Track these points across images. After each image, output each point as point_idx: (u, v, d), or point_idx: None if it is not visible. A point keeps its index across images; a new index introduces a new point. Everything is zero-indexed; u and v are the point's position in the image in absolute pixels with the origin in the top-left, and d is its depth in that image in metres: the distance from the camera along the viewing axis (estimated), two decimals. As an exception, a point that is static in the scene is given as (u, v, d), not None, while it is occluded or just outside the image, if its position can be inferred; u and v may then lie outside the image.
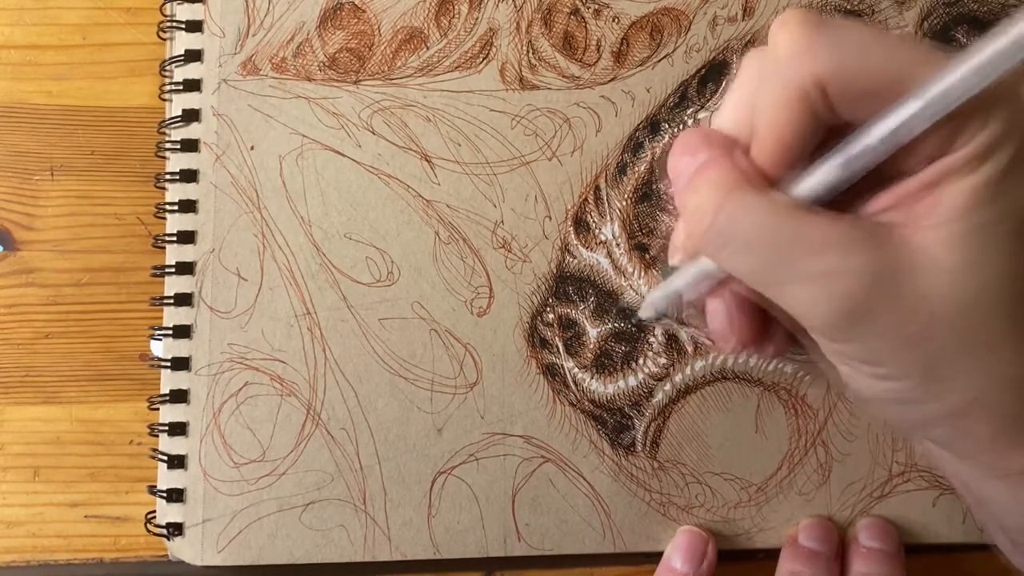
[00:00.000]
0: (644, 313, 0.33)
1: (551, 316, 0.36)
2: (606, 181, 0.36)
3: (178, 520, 0.35)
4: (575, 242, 0.36)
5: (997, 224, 0.24)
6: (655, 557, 0.35)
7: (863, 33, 0.25)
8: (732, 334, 0.29)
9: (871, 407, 0.29)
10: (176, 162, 0.36)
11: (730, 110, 0.28)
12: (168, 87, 0.36)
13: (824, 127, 0.25)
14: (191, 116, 0.36)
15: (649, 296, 0.32)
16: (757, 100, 0.26)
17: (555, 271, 0.36)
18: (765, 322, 0.29)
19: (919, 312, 0.25)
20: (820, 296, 0.25)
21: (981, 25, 0.37)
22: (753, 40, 0.37)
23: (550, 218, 0.36)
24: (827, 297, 0.25)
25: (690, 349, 0.36)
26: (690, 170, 0.27)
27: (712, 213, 0.26)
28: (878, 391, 0.27)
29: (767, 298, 0.27)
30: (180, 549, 0.35)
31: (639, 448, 0.35)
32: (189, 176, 0.36)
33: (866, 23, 0.26)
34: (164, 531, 0.34)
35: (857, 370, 0.27)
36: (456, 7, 0.37)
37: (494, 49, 0.37)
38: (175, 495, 0.35)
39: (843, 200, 0.30)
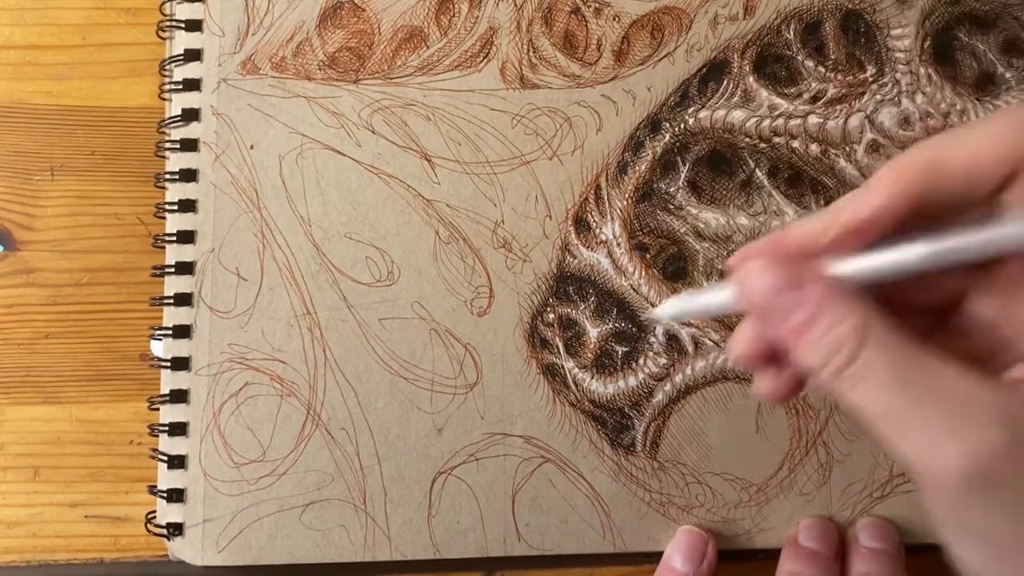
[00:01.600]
0: (664, 313, 0.30)
1: (551, 316, 0.36)
2: (607, 180, 0.36)
3: (178, 520, 0.35)
4: (576, 242, 0.36)
5: None
6: (655, 557, 0.35)
7: None
8: (749, 351, 0.28)
9: None
10: (176, 162, 0.36)
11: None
12: (168, 86, 0.36)
13: (969, 196, 0.24)
14: (191, 116, 0.36)
15: (675, 302, 0.30)
16: (932, 144, 0.25)
17: (555, 271, 0.36)
18: (778, 362, 0.28)
19: None
20: (946, 449, 0.23)
21: (982, 24, 0.37)
22: (754, 40, 0.37)
23: (551, 218, 0.36)
24: (954, 448, 0.23)
25: (691, 349, 0.36)
26: (793, 315, 0.25)
27: (851, 356, 0.24)
28: (985, 569, 0.25)
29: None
30: (180, 549, 0.35)
31: (639, 448, 0.35)
32: (189, 176, 0.36)
33: None
34: (164, 531, 0.35)
35: (969, 549, 0.25)
36: (456, 6, 0.37)
37: (494, 48, 0.37)
38: (175, 495, 0.35)
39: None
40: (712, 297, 0.29)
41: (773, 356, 0.28)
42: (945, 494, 0.24)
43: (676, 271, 0.36)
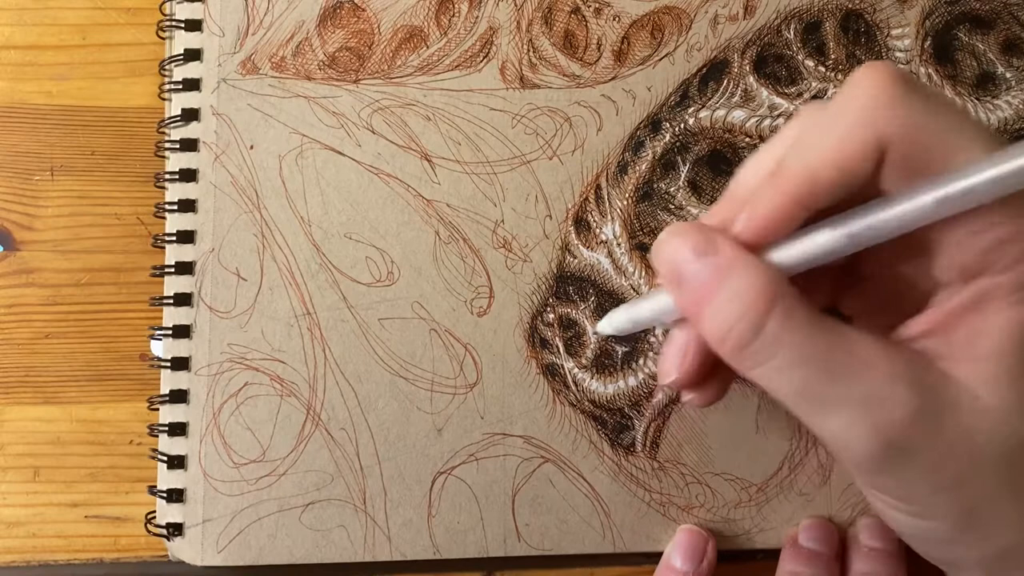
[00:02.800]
0: (602, 329, 0.32)
1: (551, 316, 0.36)
2: (607, 180, 0.36)
3: (178, 520, 0.35)
4: (576, 242, 0.36)
5: None
6: (655, 557, 0.35)
7: (947, 110, 0.23)
8: (677, 369, 0.28)
9: (903, 538, 0.28)
10: (175, 162, 0.36)
11: (771, 152, 0.26)
12: (168, 86, 0.36)
13: (852, 188, 0.24)
14: (190, 115, 0.36)
15: (613, 315, 0.32)
16: (803, 140, 0.24)
17: (555, 271, 0.36)
18: (713, 368, 0.28)
19: (960, 453, 0.23)
20: (859, 424, 0.23)
21: (982, 24, 0.37)
22: (754, 39, 0.37)
23: (551, 217, 0.36)
24: (866, 425, 0.23)
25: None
26: (702, 274, 0.25)
27: (753, 330, 0.24)
28: (910, 528, 0.26)
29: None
30: (180, 549, 0.35)
31: (639, 448, 0.35)
32: (188, 176, 0.36)
33: (950, 99, 0.24)
34: (164, 531, 0.35)
35: (890, 506, 0.26)
36: (456, 6, 0.37)
37: (494, 48, 0.37)
38: (175, 495, 0.35)
39: (876, 317, 0.28)
40: (655, 301, 0.29)
41: (706, 374, 0.28)
42: (864, 469, 0.25)
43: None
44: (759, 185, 0.25)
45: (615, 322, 0.32)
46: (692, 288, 0.25)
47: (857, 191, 0.24)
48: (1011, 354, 0.23)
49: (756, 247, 0.25)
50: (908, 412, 0.23)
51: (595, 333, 0.35)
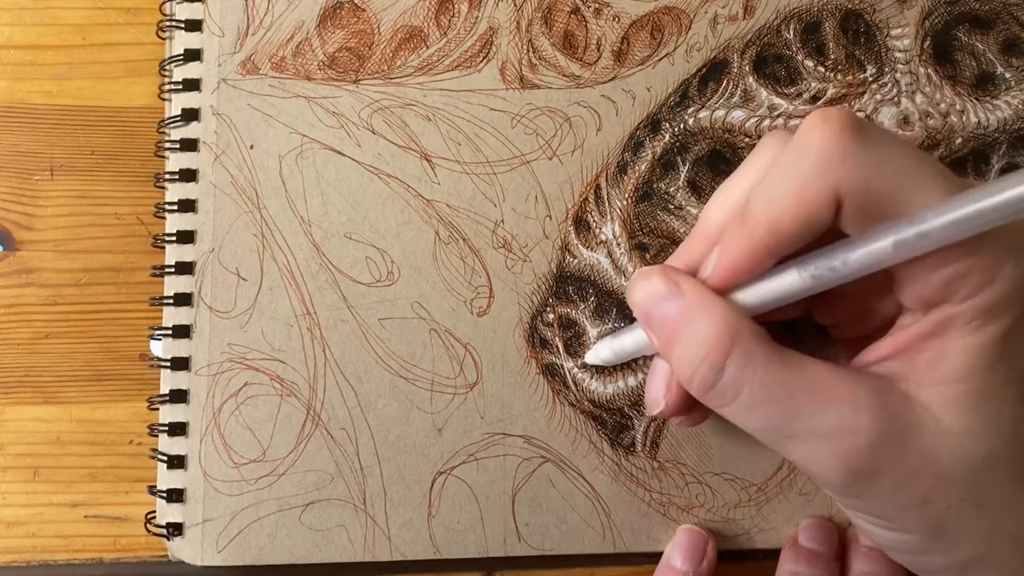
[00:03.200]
0: (590, 360, 0.35)
1: (551, 316, 0.36)
2: (607, 180, 0.36)
3: (178, 520, 0.35)
4: (575, 242, 0.36)
5: (1002, 387, 0.24)
6: (655, 557, 0.35)
7: (901, 155, 0.24)
8: (663, 400, 0.29)
9: (879, 546, 0.29)
10: (175, 162, 0.36)
11: (737, 189, 0.27)
12: (167, 86, 0.36)
13: (815, 234, 0.25)
14: (190, 115, 0.36)
15: (597, 347, 0.34)
16: (765, 187, 0.25)
17: (555, 271, 0.36)
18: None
19: (924, 473, 0.24)
20: (825, 455, 0.25)
21: (982, 24, 0.37)
22: (754, 40, 0.37)
23: (550, 217, 0.36)
24: (832, 456, 0.24)
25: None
26: (669, 317, 0.26)
27: (713, 372, 0.25)
28: (884, 539, 0.27)
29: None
30: (180, 549, 0.35)
31: (639, 448, 0.35)
32: (188, 176, 0.36)
33: (904, 142, 0.25)
34: (164, 531, 0.35)
35: (863, 520, 0.27)
36: (456, 6, 0.37)
37: (494, 48, 0.37)
38: (175, 495, 0.35)
39: (849, 329, 0.29)
40: (636, 334, 0.31)
41: (692, 400, 0.29)
42: (833, 491, 0.26)
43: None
44: (726, 226, 0.27)
45: (600, 354, 0.34)
46: (661, 329, 0.27)
47: (823, 233, 0.25)
48: (970, 378, 0.24)
49: (724, 290, 0.27)
50: (871, 439, 0.24)
51: (583, 365, 0.35)
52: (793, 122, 0.36)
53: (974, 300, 0.23)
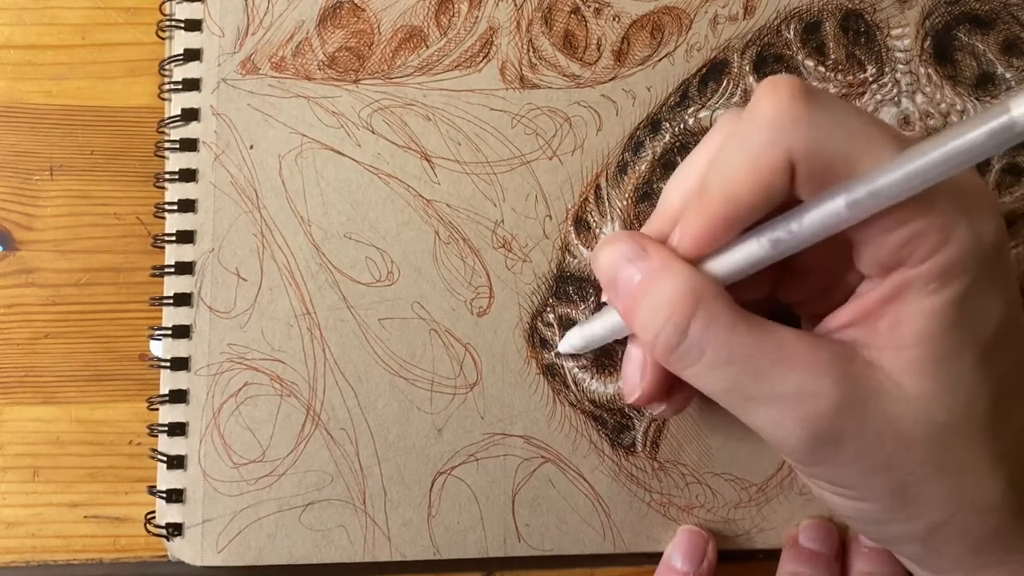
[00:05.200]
0: (562, 349, 0.34)
1: (551, 316, 0.36)
2: (607, 180, 0.36)
3: (178, 520, 0.35)
4: (576, 242, 0.36)
5: (960, 350, 0.24)
6: (655, 557, 0.35)
7: (852, 118, 0.24)
8: (639, 385, 0.29)
9: (841, 518, 0.29)
10: (175, 161, 0.36)
11: (695, 167, 0.28)
12: (167, 86, 0.36)
13: (773, 202, 0.25)
14: (190, 115, 0.36)
15: (568, 334, 0.34)
16: (720, 161, 0.25)
17: (555, 271, 0.36)
18: (674, 378, 0.28)
19: (886, 438, 0.24)
20: (788, 418, 0.25)
21: (982, 24, 0.37)
22: (754, 39, 0.37)
23: (550, 217, 0.36)
24: (795, 420, 0.24)
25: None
26: (633, 279, 0.27)
27: (680, 331, 0.25)
28: (847, 509, 0.27)
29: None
30: (180, 549, 0.35)
31: (639, 448, 0.35)
32: (188, 176, 0.36)
33: (856, 106, 0.25)
34: (163, 531, 0.34)
35: (826, 490, 0.27)
36: (456, 6, 0.37)
37: (494, 48, 0.37)
38: (175, 495, 0.35)
39: (812, 306, 0.29)
40: (606, 319, 0.31)
41: (669, 385, 0.29)
42: (796, 459, 0.26)
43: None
44: (685, 203, 0.27)
45: (570, 341, 0.34)
46: (625, 293, 0.27)
47: (781, 201, 0.25)
48: (929, 342, 0.24)
49: (690, 262, 0.27)
50: (833, 403, 0.24)
51: (556, 354, 0.35)
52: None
53: (930, 263, 0.23)
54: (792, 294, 0.30)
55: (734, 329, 0.25)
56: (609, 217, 0.36)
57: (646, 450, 0.35)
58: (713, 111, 0.36)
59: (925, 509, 0.25)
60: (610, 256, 0.27)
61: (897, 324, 0.24)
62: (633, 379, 0.30)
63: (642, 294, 0.26)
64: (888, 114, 0.36)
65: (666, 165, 0.36)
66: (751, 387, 0.25)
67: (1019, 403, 0.26)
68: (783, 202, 0.25)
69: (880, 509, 0.26)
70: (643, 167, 0.36)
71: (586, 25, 0.37)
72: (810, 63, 0.37)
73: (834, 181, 0.24)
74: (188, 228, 0.36)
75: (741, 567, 0.36)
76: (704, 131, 0.36)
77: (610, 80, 0.37)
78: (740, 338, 0.25)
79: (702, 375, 0.26)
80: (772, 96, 0.24)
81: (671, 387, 0.30)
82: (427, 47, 0.37)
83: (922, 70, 0.37)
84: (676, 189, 0.28)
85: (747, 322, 0.25)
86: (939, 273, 0.24)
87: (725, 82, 0.37)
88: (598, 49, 0.37)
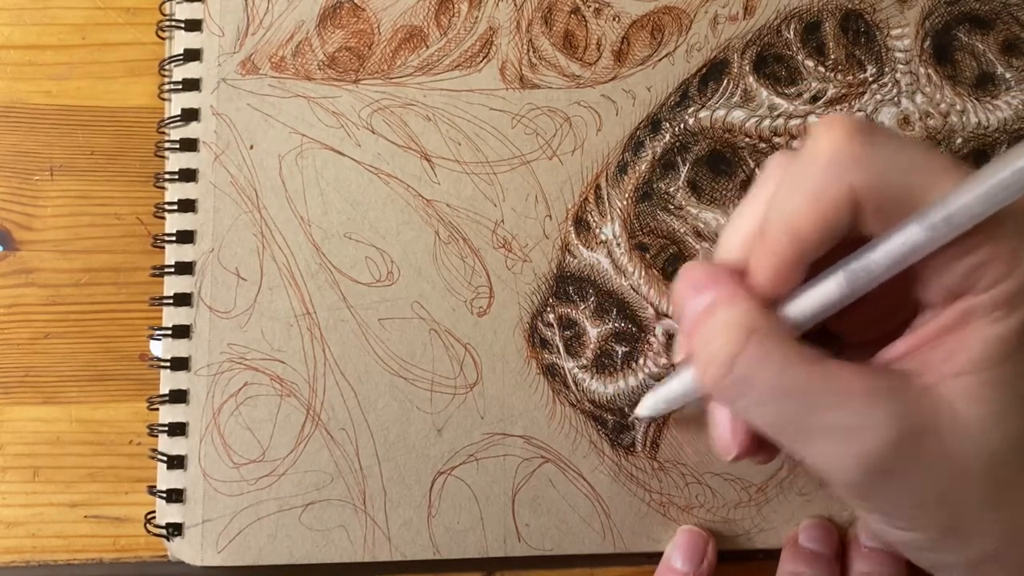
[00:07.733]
0: (641, 413, 0.33)
1: (551, 316, 0.36)
2: (607, 180, 0.36)
3: (178, 520, 0.35)
4: (575, 242, 0.36)
5: (1018, 377, 0.24)
6: (655, 557, 0.35)
7: (910, 151, 0.24)
8: (734, 444, 0.28)
9: (889, 543, 0.28)
10: (175, 161, 0.36)
11: (752, 212, 0.27)
12: (167, 86, 0.36)
13: (835, 239, 0.24)
14: (190, 115, 0.36)
15: (647, 398, 0.33)
16: (779, 200, 0.25)
17: (555, 271, 0.36)
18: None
19: (941, 472, 0.24)
20: (841, 453, 0.24)
21: (982, 24, 0.37)
22: (754, 39, 0.37)
23: (550, 217, 0.36)
24: (849, 455, 0.24)
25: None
26: (697, 309, 0.26)
27: (728, 363, 0.25)
28: (896, 536, 0.27)
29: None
30: (180, 549, 0.35)
31: (639, 448, 0.35)
32: (188, 176, 0.36)
33: (911, 138, 0.25)
34: (164, 531, 0.34)
35: (875, 519, 0.27)
36: (456, 6, 0.37)
37: (494, 48, 0.37)
38: (175, 495, 0.35)
39: (866, 334, 0.29)
40: (682, 379, 0.30)
41: (761, 438, 0.29)
42: (848, 491, 0.26)
43: (676, 271, 0.36)
44: (745, 248, 0.26)
45: (648, 405, 0.32)
46: (688, 321, 0.27)
47: (842, 238, 0.25)
48: (989, 368, 0.24)
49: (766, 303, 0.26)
50: (888, 439, 0.24)
51: (635, 418, 0.35)
52: (793, 122, 0.36)
53: (995, 290, 0.23)
54: (846, 324, 0.30)
55: (786, 364, 0.24)
56: (609, 217, 0.36)
57: (646, 450, 0.35)
58: (713, 111, 0.36)
59: (977, 539, 0.25)
60: (682, 283, 0.27)
61: (956, 351, 0.24)
62: (725, 437, 0.29)
63: (700, 324, 0.26)
64: (888, 114, 0.36)
65: (666, 165, 0.36)
66: (803, 422, 0.24)
67: None
68: (843, 239, 0.25)
69: (930, 539, 0.26)
70: (643, 167, 0.36)
71: (586, 25, 0.37)
72: (810, 63, 0.37)
73: (904, 213, 0.24)
74: (188, 228, 0.36)
75: (741, 567, 0.36)
76: (704, 131, 0.36)
77: (610, 80, 0.37)
78: (793, 371, 0.24)
79: (753, 409, 0.25)
80: (829, 134, 0.24)
81: (761, 439, 0.28)
82: (427, 47, 0.37)
83: (922, 70, 0.37)
84: (734, 234, 0.28)
85: (800, 355, 0.25)
86: (1005, 301, 0.23)
87: (725, 82, 0.37)
88: (598, 49, 0.37)
